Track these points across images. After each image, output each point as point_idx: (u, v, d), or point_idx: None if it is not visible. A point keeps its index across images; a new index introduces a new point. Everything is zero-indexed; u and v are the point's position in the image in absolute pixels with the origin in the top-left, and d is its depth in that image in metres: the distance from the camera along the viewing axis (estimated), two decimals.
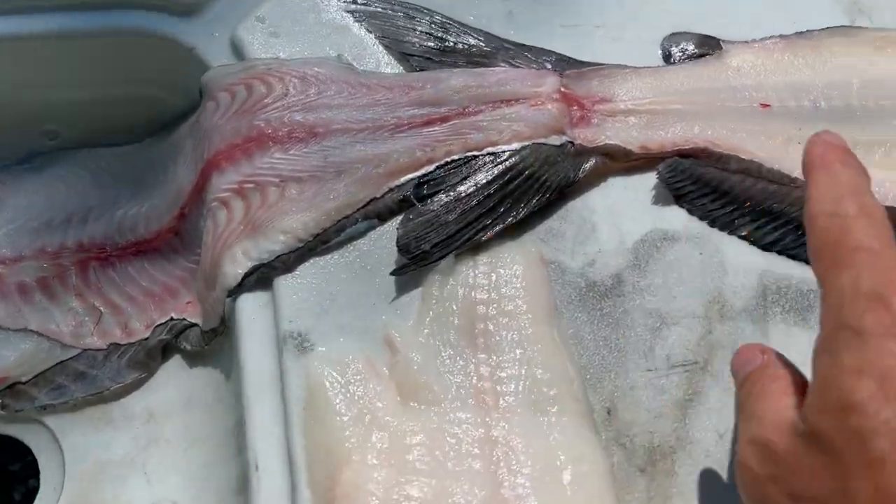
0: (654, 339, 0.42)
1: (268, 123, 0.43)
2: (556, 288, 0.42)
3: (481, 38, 0.47)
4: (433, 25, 0.47)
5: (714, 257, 0.44)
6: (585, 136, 0.45)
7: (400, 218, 0.43)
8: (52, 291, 0.48)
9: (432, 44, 0.47)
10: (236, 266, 0.42)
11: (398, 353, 0.40)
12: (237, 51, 0.47)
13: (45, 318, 0.48)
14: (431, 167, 0.43)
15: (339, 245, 0.43)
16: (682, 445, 0.40)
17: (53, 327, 0.48)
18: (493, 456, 0.37)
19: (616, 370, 0.41)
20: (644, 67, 0.46)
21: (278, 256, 0.42)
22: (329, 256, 0.42)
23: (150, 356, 0.47)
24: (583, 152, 0.44)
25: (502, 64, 0.46)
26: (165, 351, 0.48)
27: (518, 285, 0.41)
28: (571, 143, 0.44)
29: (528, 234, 0.44)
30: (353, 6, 0.48)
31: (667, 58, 0.48)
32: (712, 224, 0.44)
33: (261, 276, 0.42)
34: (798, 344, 0.42)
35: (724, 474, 0.39)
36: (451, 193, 0.43)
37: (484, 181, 0.43)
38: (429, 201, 0.43)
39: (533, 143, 0.44)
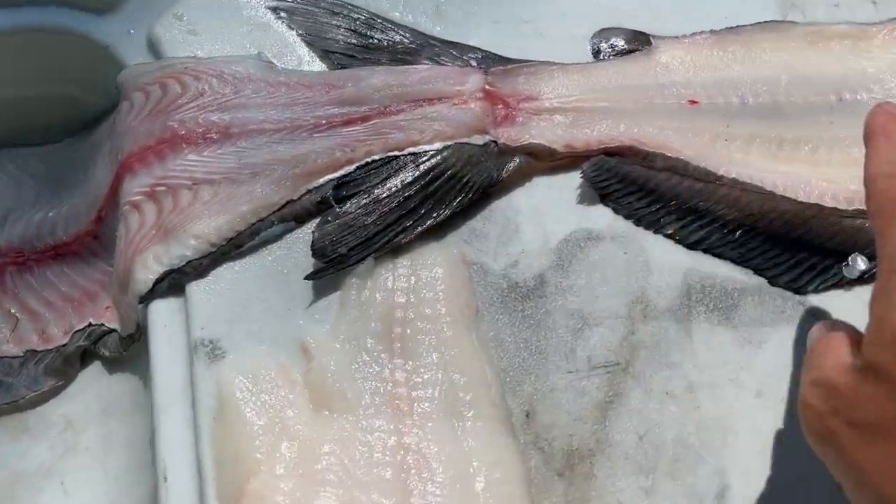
0: (576, 341, 0.41)
1: (181, 124, 0.42)
2: (478, 290, 0.42)
3: (406, 35, 0.46)
4: (357, 22, 0.47)
5: (639, 256, 0.43)
6: (509, 135, 0.44)
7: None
8: None
9: (355, 41, 0.46)
10: (147, 272, 0.41)
11: (313, 359, 0.39)
12: (154, 49, 0.46)
13: None
14: (351, 168, 0.43)
15: (254, 249, 0.42)
16: (601, 448, 0.39)
17: None
18: (405, 464, 0.36)
19: (536, 372, 0.41)
20: (572, 64, 0.46)
21: (190, 262, 0.41)
22: (244, 261, 0.42)
23: (68, 363, 0.46)
24: (507, 151, 0.44)
25: (426, 61, 0.45)
26: (84, 357, 0.47)
27: (438, 288, 0.41)
28: (495, 142, 0.44)
29: (451, 236, 0.43)
30: (274, 2, 0.47)
31: (596, 54, 0.47)
32: (637, 223, 0.44)
33: (173, 282, 0.41)
34: (721, 343, 0.42)
35: (642, 476, 0.39)
36: (371, 194, 0.42)
37: (405, 182, 0.43)
38: (348, 203, 0.42)
39: (455, 143, 0.43)
